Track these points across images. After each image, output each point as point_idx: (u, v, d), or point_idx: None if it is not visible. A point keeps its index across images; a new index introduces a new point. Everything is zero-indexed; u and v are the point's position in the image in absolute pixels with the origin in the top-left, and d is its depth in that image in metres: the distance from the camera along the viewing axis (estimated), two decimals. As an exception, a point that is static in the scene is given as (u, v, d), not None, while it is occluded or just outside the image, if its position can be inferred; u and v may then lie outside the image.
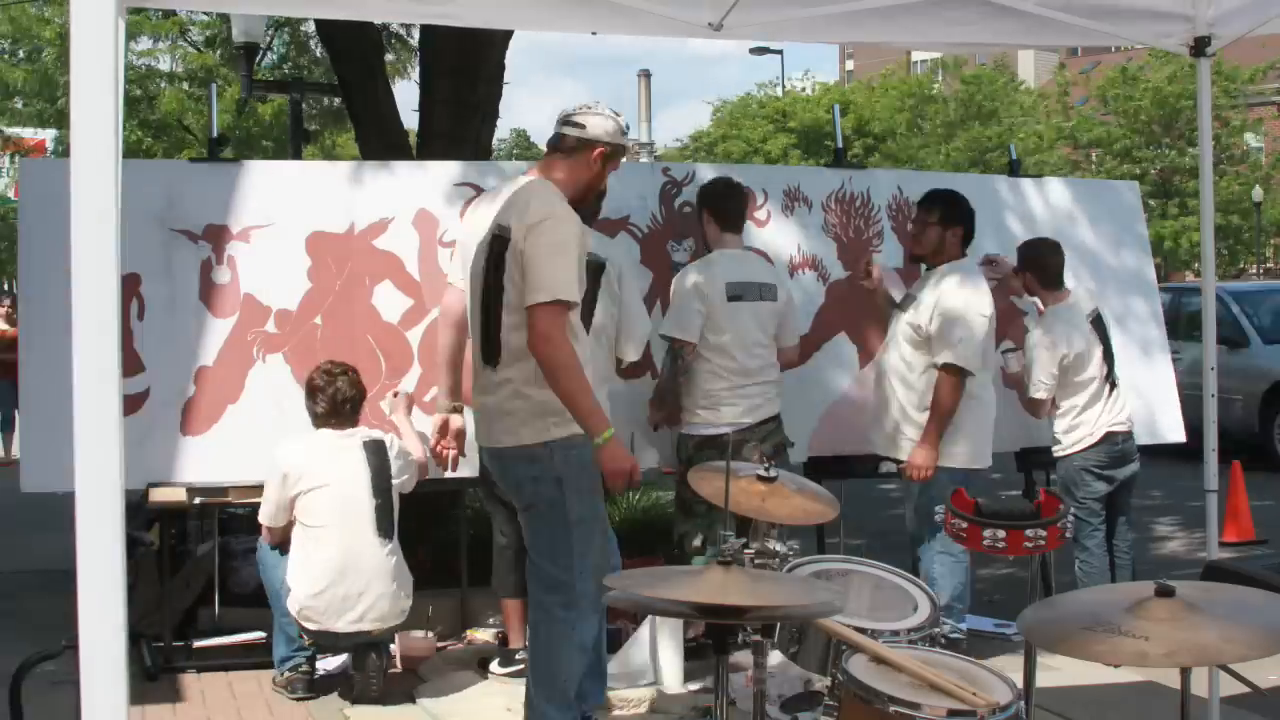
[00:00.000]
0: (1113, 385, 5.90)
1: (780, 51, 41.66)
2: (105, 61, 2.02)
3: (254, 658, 5.45)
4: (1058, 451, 5.92)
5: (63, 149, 21.37)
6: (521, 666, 5.31)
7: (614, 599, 2.94)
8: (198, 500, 5.42)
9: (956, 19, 4.83)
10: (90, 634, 1.95)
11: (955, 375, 5.37)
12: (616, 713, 4.90)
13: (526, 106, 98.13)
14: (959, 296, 5.45)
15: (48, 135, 21.98)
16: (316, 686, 5.19)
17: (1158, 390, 6.80)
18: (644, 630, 5.29)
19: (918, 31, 5.16)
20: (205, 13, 16.98)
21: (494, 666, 5.39)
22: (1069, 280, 6.11)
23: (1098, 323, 5.94)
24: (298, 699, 5.11)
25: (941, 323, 5.40)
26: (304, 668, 5.18)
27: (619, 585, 2.83)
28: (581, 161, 4.25)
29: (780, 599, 2.86)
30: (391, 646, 5.40)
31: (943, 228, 5.59)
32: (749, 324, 5.45)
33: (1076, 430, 5.85)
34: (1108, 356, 5.90)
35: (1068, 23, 4.73)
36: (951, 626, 5.36)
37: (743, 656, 3.82)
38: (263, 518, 5.20)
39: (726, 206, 5.63)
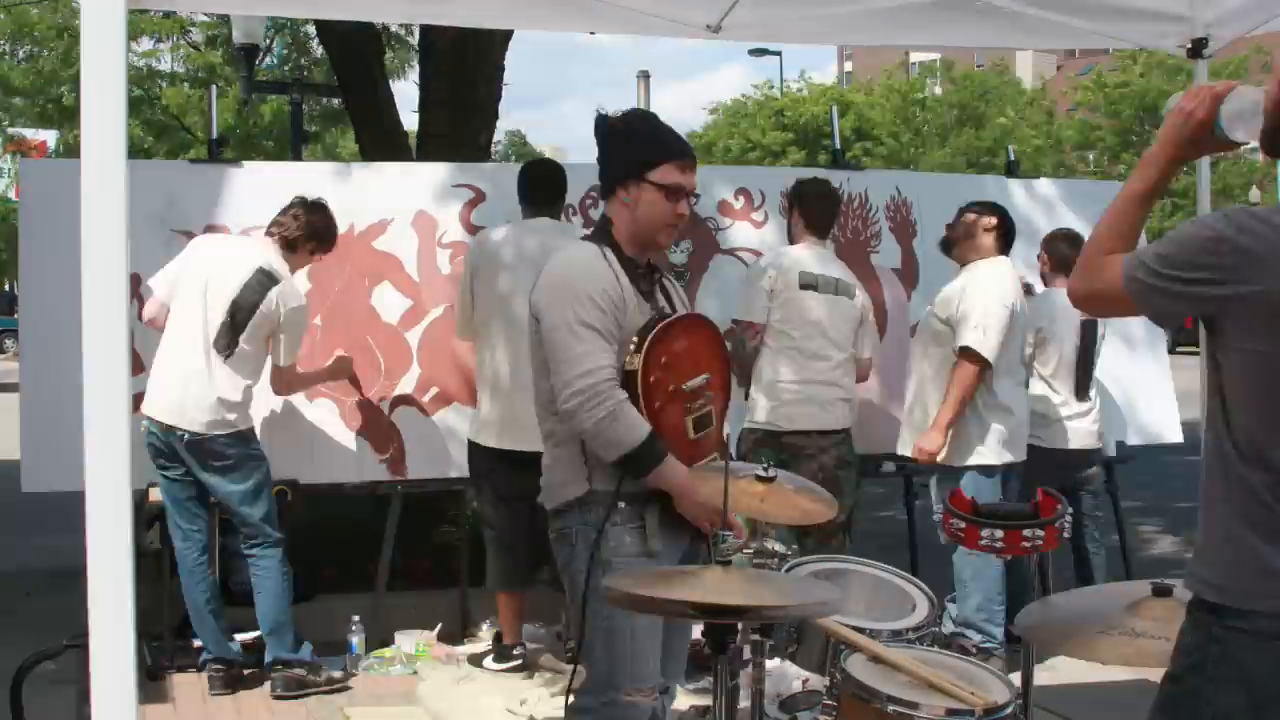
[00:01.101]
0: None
1: (779, 53, 41.64)
2: (114, 63, 2.03)
3: (254, 657, 5.45)
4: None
5: (64, 149, 21.36)
6: (518, 662, 5.33)
7: (613, 599, 2.95)
8: (198, 500, 5.42)
9: (953, 20, 4.85)
10: (100, 633, 1.95)
11: (972, 361, 5.30)
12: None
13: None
14: (985, 284, 5.40)
15: (49, 135, 21.95)
16: (236, 683, 5.21)
17: (1154, 391, 6.81)
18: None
19: (915, 33, 5.18)
20: (206, 14, 16.97)
21: (488, 662, 5.39)
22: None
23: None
24: (216, 694, 5.14)
25: (964, 308, 5.35)
26: (218, 665, 5.20)
27: (618, 585, 2.84)
28: None
29: (779, 599, 2.86)
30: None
31: (978, 215, 5.55)
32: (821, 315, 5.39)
33: None
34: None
35: (1065, 24, 4.75)
36: (982, 637, 5.34)
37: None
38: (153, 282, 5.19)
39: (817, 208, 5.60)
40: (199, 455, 5.05)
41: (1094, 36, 5.18)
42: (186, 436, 5.02)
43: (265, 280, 5.10)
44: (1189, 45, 4.90)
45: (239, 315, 5.06)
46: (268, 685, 5.19)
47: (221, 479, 5.10)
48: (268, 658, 5.17)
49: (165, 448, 5.06)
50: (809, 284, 5.37)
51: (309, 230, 5.25)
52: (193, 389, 5.03)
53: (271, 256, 5.17)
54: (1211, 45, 4.88)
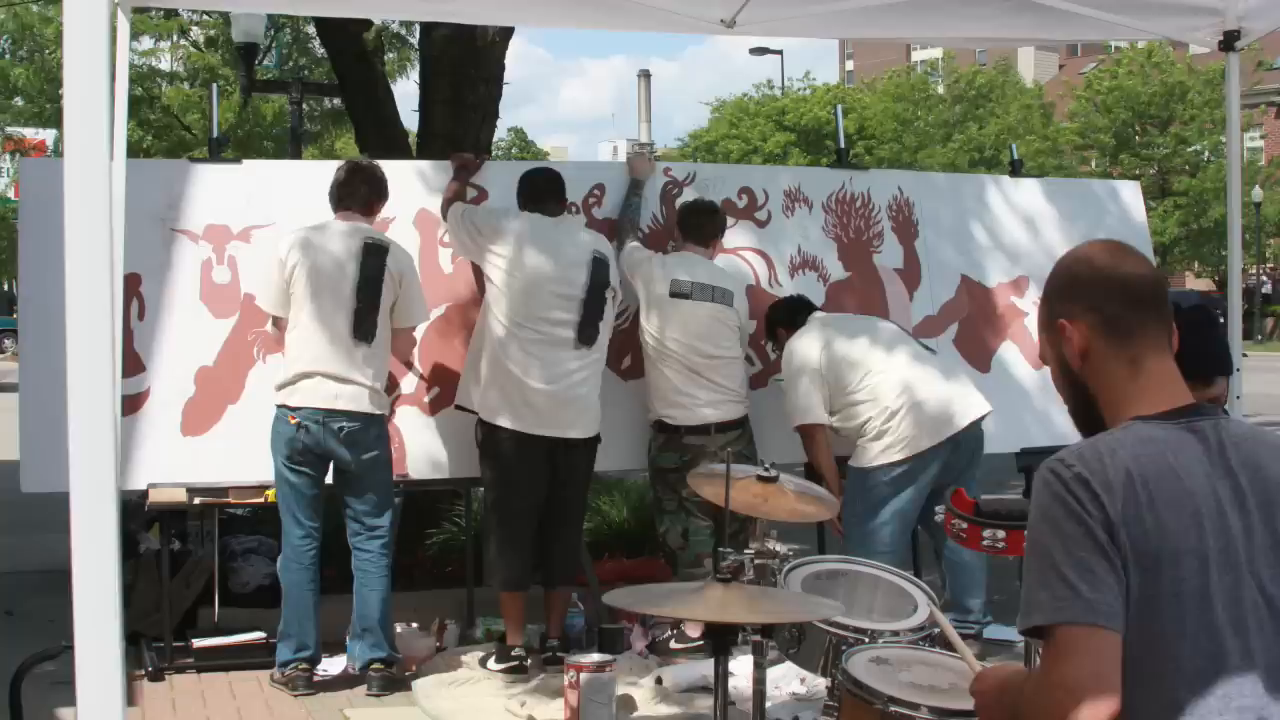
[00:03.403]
0: None
1: (780, 52, 41.57)
2: (98, 58, 2.00)
3: (254, 658, 5.43)
4: None
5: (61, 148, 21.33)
6: (516, 663, 5.27)
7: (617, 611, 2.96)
8: (198, 500, 5.41)
9: (974, 14, 4.76)
10: (86, 637, 1.93)
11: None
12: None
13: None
14: None
15: (48, 135, 21.95)
16: (316, 684, 5.15)
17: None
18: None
19: (933, 26, 5.09)
20: (206, 13, 16.96)
21: (491, 663, 5.34)
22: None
23: None
24: (298, 695, 5.07)
25: None
26: (303, 667, 5.13)
27: (623, 599, 2.86)
28: None
29: (780, 616, 2.85)
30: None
31: None
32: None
33: None
34: None
35: (1092, 17, 4.63)
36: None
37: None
38: (262, 303, 5.32)
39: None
40: (355, 444, 5.10)
41: (1121, 29, 5.07)
42: (346, 428, 5.06)
43: (377, 253, 5.19)
44: (1221, 38, 4.79)
45: (368, 298, 5.12)
46: (265, 682, 5.19)
47: (371, 468, 5.16)
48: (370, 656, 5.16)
49: (313, 443, 5.06)
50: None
51: (379, 191, 5.38)
52: (350, 381, 5.08)
53: (364, 227, 5.26)
54: (1244, 38, 4.76)
